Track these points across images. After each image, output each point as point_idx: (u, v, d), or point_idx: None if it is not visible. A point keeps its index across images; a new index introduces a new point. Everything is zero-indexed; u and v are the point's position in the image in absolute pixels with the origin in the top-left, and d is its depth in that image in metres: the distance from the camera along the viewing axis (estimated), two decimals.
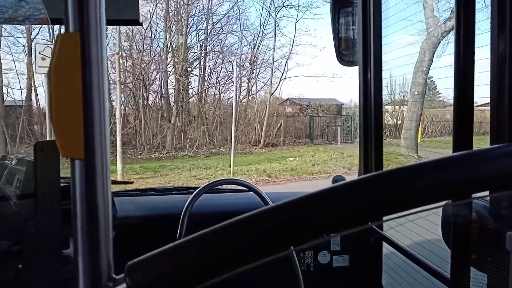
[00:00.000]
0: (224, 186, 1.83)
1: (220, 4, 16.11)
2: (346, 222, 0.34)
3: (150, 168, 11.63)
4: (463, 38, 0.99)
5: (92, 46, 0.36)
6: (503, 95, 0.87)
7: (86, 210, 0.38)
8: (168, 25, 14.96)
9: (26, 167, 1.09)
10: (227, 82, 16.60)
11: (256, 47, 16.99)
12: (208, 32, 15.82)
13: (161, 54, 14.98)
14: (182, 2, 15.03)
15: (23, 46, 12.31)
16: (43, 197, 1.00)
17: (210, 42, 16.21)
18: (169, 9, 14.91)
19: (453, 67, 1.01)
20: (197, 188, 1.54)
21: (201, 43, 16.04)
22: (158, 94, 15.36)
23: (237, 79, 16.37)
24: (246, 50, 16.93)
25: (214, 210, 1.64)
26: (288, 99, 18.87)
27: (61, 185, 1.02)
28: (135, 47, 14.55)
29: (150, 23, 14.06)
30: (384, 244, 1.53)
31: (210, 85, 16.28)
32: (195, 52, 16.04)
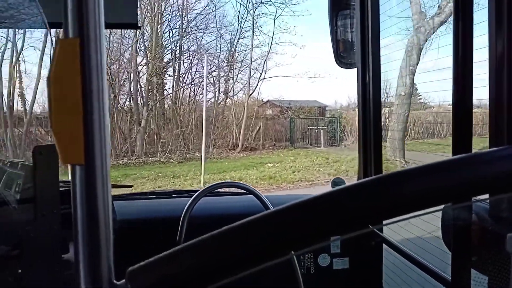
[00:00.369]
0: (223, 189, 1.83)
1: (196, 2, 15.18)
2: (346, 226, 0.34)
3: (112, 177, 10.49)
4: (461, 40, 1.00)
5: (91, 52, 0.36)
6: (502, 97, 0.87)
7: (86, 215, 0.37)
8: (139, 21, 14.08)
9: (25, 171, 1.09)
10: (203, 83, 15.36)
11: (234, 46, 16.18)
12: (184, 30, 14.92)
13: (132, 52, 14.15)
14: None
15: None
16: (42, 201, 1.00)
17: (185, 41, 15.33)
18: (141, 4, 13.70)
19: (452, 69, 1.02)
20: (196, 191, 1.54)
21: (175, 42, 15.18)
22: (129, 96, 14.46)
23: (215, 79, 15.82)
24: (224, 48, 16.06)
25: (213, 213, 1.64)
26: (268, 101, 18.21)
27: (60, 189, 1.02)
28: None
29: None
30: (384, 246, 1.53)
31: (184, 86, 15.37)
32: (169, 51, 15.23)
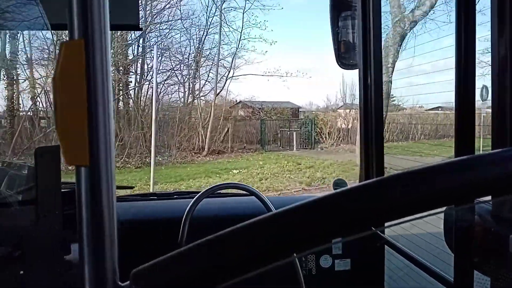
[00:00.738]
0: (225, 190, 1.83)
1: None
2: (349, 228, 0.34)
3: None
4: (463, 42, 1.00)
5: (96, 53, 0.37)
6: (504, 98, 0.87)
7: (91, 217, 0.37)
8: None
9: (27, 172, 1.09)
10: (171, 82, 14.75)
11: (202, 42, 15.16)
12: (148, 24, 13.65)
13: None
14: None
15: None
16: (44, 202, 1.00)
17: (149, 37, 14.42)
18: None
19: (454, 70, 1.02)
20: (198, 192, 1.54)
21: (138, 38, 14.00)
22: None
23: (184, 78, 14.95)
24: (190, 43, 14.91)
25: (215, 214, 1.64)
26: (240, 101, 17.41)
27: (62, 190, 1.02)
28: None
29: None
30: (386, 247, 1.53)
31: (147, 84, 14.06)
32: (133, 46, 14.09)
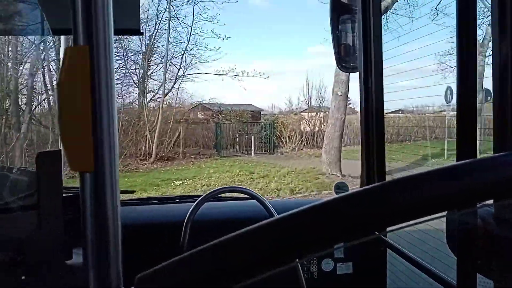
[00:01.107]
0: (226, 194, 1.83)
1: None
2: (352, 232, 0.35)
3: None
4: (465, 45, 1.00)
5: (100, 59, 0.37)
6: (506, 101, 0.87)
7: (95, 222, 0.37)
8: None
9: (28, 177, 1.09)
10: (125, 82, 13.56)
11: (152, 38, 14.22)
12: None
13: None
14: None
15: None
16: (46, 207, 1.00)
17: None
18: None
19: (456, 73, 1.02)
20: (199, 196, 1.54)
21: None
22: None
23: (139, 78, 13.83)
24: (141, 40, 13.77)
25: (217, 218, 1.64)
26: (200, 103, 16.62)
27: (64, 195, 1.02)
28: None
29: None
30: (389, 251, 1.52)
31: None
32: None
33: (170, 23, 14.19)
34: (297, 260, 0.36)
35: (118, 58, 13.49)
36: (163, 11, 14.20)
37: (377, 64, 1.51)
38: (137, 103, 14.70)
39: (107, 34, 0.37)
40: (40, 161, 0.98)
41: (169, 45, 14.42)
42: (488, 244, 0.93)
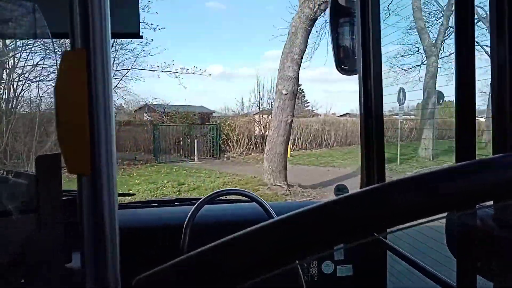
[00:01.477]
0: (226, 196, 1.82)
1: None
2: (352, 234, 0.35)
3: None
4: (464, 47, 1.00)
5: (97, 62, 0.37)
6: (505, 103, 0.87)
7: (93, 225, 0.38)
8: None
9: (27, 181, 1.08)
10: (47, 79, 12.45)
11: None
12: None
13: None
14: None
15: None
16: (45, 210, 1.00)
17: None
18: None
19: (454, 75, 1.02)
20: (199, 199, 1.54)
21: None
22: None
23: None
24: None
25: (216, 220, 1.64)
26: (146, 104, 15.73)
27: (63, 198, 1.02)
28: None
29: None
30: (388, 252, 1.52)
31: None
32: None
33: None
34: (297, 261, 0.36)
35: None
36: None
37: (377, 67, 1.51)
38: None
39: (104, 37, 0.37)
40: (40, 164, 0.98)
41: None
42: (488, 245, 0.93)
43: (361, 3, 1.50)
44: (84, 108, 0.37)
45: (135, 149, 13.92)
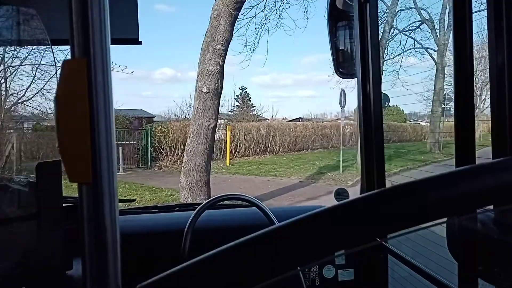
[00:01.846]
0: (226, 202, 1.82)
1: None
2: (353, 239, 0.35)
3: None
4: (461, 51, 1.00)
5: (98, 71, 0.37)
6: (504, 106, 0.87)
7: (94, 233, 0.37)
8: None
9: (28, 187, 1.08)
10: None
11: None
12: None
13: None
14: None
15: None
16: (46, 217, 1.00)
17: None
18: None
19: (453, 78, 1.02)
20: (199, 204, 1.54)
21: None
22: None
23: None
24: None
25: (217, 226, 1.63)
26: None
27: (64, 205, 1.02)
28: None
29: None
30: (390, 257, 1.52)
31: None
32: None
33: None
34: (299, 267, 0.36)
35: None
36: None
37: (375, 70, 1.51)
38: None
39: (104, 45, 0.37)
40: (40, 171, 0.98)
41: None
42: (489, 249, 0.93)
43: (359, 7, 1.51)
44: (85, 117, 0.37)
45: (37, 159, 13.05)
